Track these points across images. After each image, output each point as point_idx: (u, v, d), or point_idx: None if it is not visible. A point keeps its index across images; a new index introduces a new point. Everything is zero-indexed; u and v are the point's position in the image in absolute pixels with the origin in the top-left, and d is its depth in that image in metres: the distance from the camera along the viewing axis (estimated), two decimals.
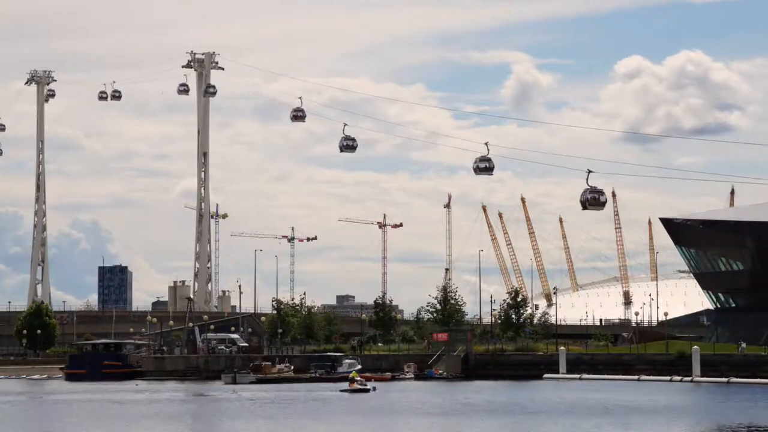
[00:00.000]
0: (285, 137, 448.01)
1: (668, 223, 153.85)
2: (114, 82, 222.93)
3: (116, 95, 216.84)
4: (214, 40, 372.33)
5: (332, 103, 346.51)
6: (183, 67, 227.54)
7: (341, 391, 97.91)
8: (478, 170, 68.54)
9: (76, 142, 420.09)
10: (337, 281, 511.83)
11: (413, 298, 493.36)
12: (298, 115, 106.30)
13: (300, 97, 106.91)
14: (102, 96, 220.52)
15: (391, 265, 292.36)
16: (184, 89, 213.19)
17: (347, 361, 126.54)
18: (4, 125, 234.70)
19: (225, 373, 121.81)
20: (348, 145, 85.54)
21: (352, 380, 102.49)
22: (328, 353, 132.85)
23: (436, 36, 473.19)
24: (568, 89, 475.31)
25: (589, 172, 57.75)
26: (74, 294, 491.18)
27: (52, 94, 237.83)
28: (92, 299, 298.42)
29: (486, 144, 67.95)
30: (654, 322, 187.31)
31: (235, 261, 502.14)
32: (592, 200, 57.58)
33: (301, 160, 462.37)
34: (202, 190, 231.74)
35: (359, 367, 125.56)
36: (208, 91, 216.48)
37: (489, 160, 68.36)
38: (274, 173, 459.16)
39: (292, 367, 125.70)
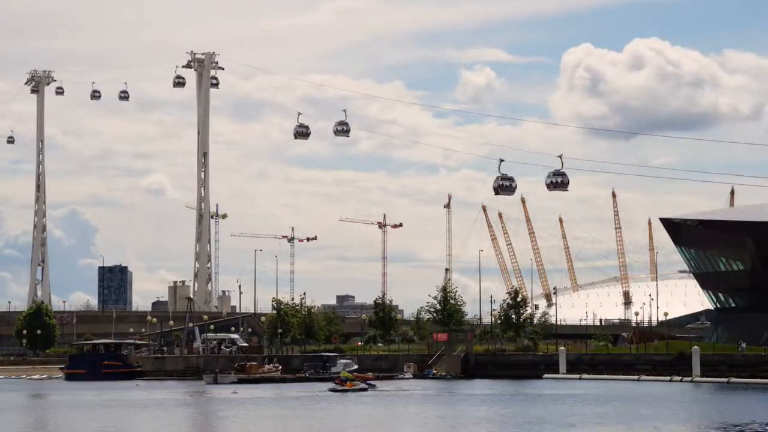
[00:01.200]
0: (265, 137, 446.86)
1: (668, 223, 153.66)
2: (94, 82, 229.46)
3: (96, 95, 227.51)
4: (197, 39, 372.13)
5: (311, 100, 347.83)
6: (183, 67, 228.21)
7: (330, 390, 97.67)
8: (551, 185, 69.41)
9: (54, 141, 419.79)
10: (337, 281, 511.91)
11: (413, 298, 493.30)
12: (302, 132, 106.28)
13: (299, 113, 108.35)
14: (95, 95, 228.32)
15: (390, 265, 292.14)
16: (180, 81, 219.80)
17: (342, 360, 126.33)
18: (13, 137, 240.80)
19: (206, 374, 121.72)
20: (341, 130, 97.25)
21: (346, 380, 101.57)
22: (322, 353, 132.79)
23: (416, 34, 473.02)
24: (550, 87, 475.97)
25: (501, 161, 68.05)
26: (58, 294, 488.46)
27: (61, 92, 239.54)
28: (90, 299, 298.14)
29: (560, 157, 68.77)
30: (654, 322, 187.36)
31: (235, 261, 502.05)
32: (503, 186, 68.13)
33: (286, 159, 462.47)
34: (202, 190, 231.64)
35: (355, 366, 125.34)
36: (212, 83, 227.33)
37: (564, 174, 69.07)
38: (263, 173, 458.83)
39: (280, 368, 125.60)
